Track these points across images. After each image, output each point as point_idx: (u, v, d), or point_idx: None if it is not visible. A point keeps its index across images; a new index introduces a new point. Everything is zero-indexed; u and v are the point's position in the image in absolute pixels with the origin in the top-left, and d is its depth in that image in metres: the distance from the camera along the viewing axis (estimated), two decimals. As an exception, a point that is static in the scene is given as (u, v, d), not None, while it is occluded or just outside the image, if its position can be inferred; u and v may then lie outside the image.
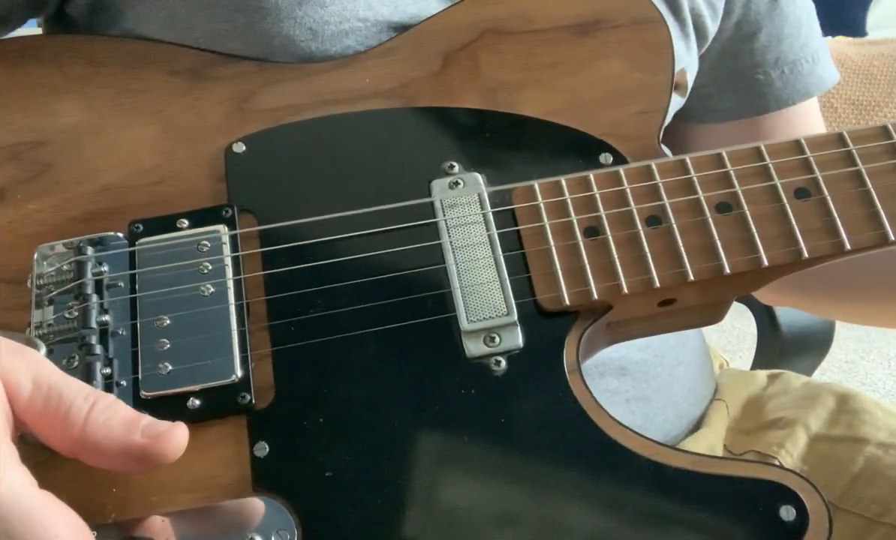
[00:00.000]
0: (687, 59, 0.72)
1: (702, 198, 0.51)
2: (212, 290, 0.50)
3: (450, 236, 0.51)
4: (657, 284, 0.49)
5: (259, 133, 0.55)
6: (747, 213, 0.50)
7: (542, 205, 0.51)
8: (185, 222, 0.52)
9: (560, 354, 0.49)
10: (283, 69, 0.58)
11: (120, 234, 0.52)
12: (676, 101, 0.73)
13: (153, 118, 0.56)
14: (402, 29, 0.60)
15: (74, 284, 0.50)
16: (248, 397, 0.48)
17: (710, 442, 0.74)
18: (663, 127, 0.56)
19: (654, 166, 0.52)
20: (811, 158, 0.52)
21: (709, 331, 0.72)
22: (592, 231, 0.51)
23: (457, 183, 0.53)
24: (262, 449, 0.47)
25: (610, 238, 0.50)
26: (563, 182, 0.52)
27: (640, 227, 0.50)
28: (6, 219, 0.53)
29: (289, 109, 0.56)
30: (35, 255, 0.51)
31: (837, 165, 0.52)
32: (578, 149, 0.55)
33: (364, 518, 0.45)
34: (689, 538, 0.45)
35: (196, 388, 0.48)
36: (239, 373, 0.48)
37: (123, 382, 0.48)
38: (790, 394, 0.79)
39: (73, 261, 0.50)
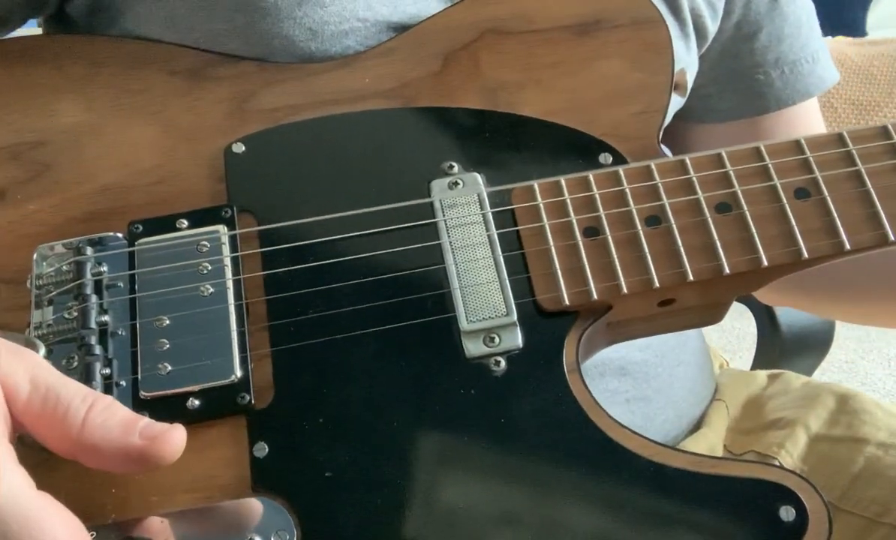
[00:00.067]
0: (687, 59, 0.72)
1: (701, 198, 0.51)
2: (211, 290, 0.50)
3: (449, 236, 0.51)
4: (657, 285, 0.49)
5: (259, 133, 0.55)
6: (747, 213, 0.50)
7: (541, 205, 0.51)
8: (185, 223, 0.52)
9: (560, 354, 0.49)
10: (283, 69, 0.58)
11: (119, 235, 0.52)
12: (676, 101, 0.73)
13: (153, 118, 0.56)
14: (401, 29, 0.60)
15: (74, 284, 0.50)
16: (248, 398, 0.48)
17: (710, 442, 0.74)
18: (663, 127, 0.56)
19: (653, 166, 0.52)
20: (811, 158, 0.52)
21: (709, 331, 0.72)
22: (592, 231, 0.51)
23: (456, 183, 0.53)
24: (262, 449, 0.47)
25: (609, 238, 0.50)
26: (563, 182, 0.52)
27: (639, 227, 0.50)
28: (6, 219, 0.53)
29: (288, 109, 0.56)
30: (34, 256, 0.51)
31: (837, 165, 0.52)
32: (578, 149, 0.55)
33: (364, 518, 0.45)
34: (688, 539, 0.45)
35: (195, 388, 0.48)
36: (238, 373, 0.48)
37: (123, 383, 0.48)
38: (790, 394, 0.79)
39: (72, 261, 0.50)
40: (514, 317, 0.49)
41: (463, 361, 0.48)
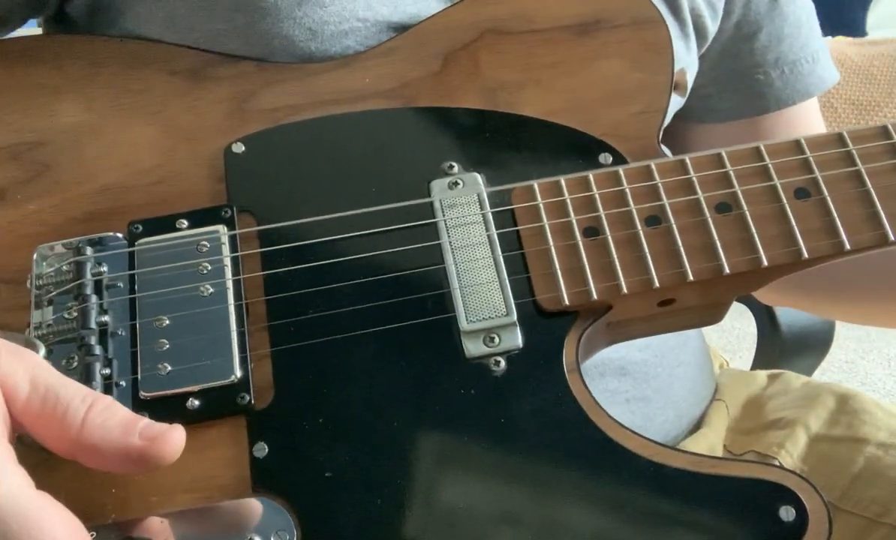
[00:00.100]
0: (687, 59, 0.72)
1: (701, 198, 0.51)
2: (211, 290, 0.50)
3: (449, 236, 0.51)
4: (656, 285, 0.49)
5: (258, 133, 0.55)
6: (747, 213, 0.50)
7: (541, 205, 0.51)
8: (185, 223, 0.52)
9: (559, 354, 0.49)
10: (283, 69, 0.58)
11: (119, 235, 0.52)
12: (676, 101, 0.73)
13: (153, 118, 0.56)
14: (401, 29, 0.60)
15: (74, 284, 0.50)
16: (248, 398, 0.48)
17: (710, 442, 0.74)
18: (663, 127, 0.56)
19: (653, 166, 0.52)
20: (811, 158, 0.52)
21: (709, 331, 0.72)
22: (592, 231, 0.51)
23: (456, 183, 0.53)
24: (262, 449, 0.47)
25: (609, 238, 0.50)
26: (563, 182, 0.52)
27: (639, 227, 0.50)
28: (6, 219, 0.53)
29: (288, 109, 0.56)
30: (34, 256, 0.51)
31: (837, 165, 0.52)
32: (578, 149, 0.55)
33: (364, 518, 0.45)
34: (688, 539, 0.45)
35: (195, 388, 0.48)
36: (238, 373, 0.48)
37: (123, 383, 0.48)
38: (790, 394, 0.79)
39: (72, 261, 0.50)
40: (514, 317, 0.49)
41: (463, 361, 0.48)
